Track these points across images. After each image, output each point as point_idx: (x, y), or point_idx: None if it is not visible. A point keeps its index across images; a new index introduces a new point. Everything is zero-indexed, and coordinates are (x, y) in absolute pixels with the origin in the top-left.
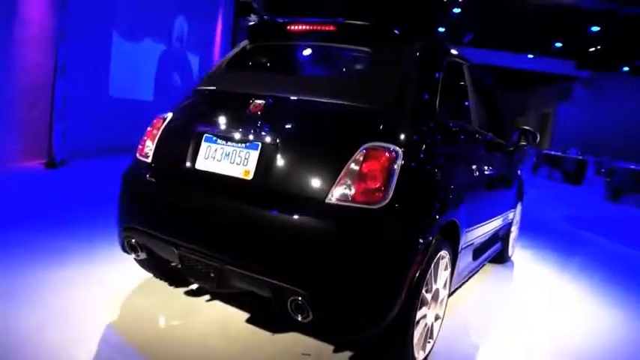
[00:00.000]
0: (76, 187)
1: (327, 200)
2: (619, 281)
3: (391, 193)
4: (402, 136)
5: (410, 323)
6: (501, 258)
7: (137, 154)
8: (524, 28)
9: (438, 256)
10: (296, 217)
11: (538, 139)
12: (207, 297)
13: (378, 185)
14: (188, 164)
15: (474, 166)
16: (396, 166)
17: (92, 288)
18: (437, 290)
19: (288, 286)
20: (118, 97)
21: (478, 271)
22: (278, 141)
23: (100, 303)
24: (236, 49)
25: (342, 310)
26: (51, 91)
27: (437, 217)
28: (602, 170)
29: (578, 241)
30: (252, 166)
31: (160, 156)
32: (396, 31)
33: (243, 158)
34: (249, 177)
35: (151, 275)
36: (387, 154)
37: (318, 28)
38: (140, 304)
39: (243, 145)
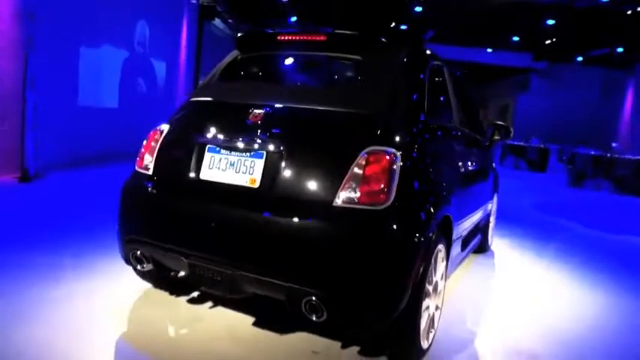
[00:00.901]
0: (53, 201)
1: (334, 203)
2: (594, 263)
3: (394, 194)
4: (398, 139)
5: (417, 315)
6: (482, 248)
7: (136, 167)
8: (482, 23)
9: (437, 249)
10: (306, 220)
11: (512, 133)
12: (210, 304)
13: (381, 187)
14: (192, 175)
15: (459, 163)
16: (395, 168)
17: (94, 302)
18: (436, 282)
19: (302, 287)
20: (87, 106)
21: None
22: (282, 149)
23: (105, 316)
24: (227, 60)
25: (355, 307)
26: (21, 103)
27: (435, 213)
28: (564, 157)
29: (550, 227)
30: (258, 174)
31: (161, 168)
32: (383, 39)
33: (248, 167)
34: (256, 185)
35: (150, 286)
36: (387, 156)
37: (309, 38)
38: (146, 315)
39: (248, 154)
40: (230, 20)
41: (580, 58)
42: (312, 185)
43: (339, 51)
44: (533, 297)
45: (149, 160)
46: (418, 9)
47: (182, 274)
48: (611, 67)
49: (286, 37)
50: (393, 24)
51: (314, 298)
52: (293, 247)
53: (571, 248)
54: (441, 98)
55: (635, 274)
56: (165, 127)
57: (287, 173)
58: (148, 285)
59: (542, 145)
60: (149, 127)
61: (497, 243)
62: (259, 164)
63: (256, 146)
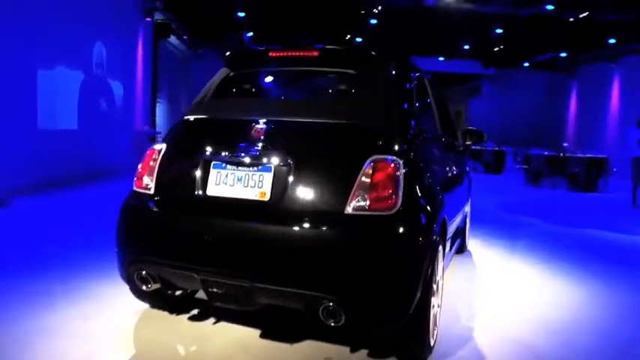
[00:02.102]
0: (25, 228)
1: (345, 212)
2: (563, 256)
3: (400, 199)
4: (397, 147)
5: (427, 313)
6: (461, 249)
7: (134, 187)
8: (435, 33)
9: (439, 249)
10: (320, 229)
11: (485, 137)
12: (213, 319)
13: (389, 193)
14: (199, 192)
15: (446, 167)
16: (399, 174)
17: (93, 327)
18: (437, 281)
19: (320, 294)
20: (47, 129)
21: None
22: (289, 162)
23: (109, 341)
24: (219, 78)
25: (372, 308)
26: None
27: (436, 215)
28: (519, 159)
29: (516, 225)
30: (267, 187)
31: (163, 187)
32: (373, 53)
33: (257, 181)
34: (266, 198)
35: (147, 306)
36: (391, 164)
37: (301, 54)
38: (151, 336)
39: (256, 168)
40: (185, 37)
41: (526, 64)
42: (322, 195)
43: (332, 66)
44: (516, 290)
45: (149, 180)
46: (373, 21)
47: (178, 293)
48: (555, 71)
49: (278, 54)
50: (348, 37)
51: (331, 303)
52: (309, 255)
53: (539, 243)
54: (425, 106)
55: (600, 263)
56: (162, 146)
57: (296, 185)
58: (144, 305)
59: (497, 148)
60: (109, 148)
61: (471, 243)
62: (268, 178)
63: (264, 160)
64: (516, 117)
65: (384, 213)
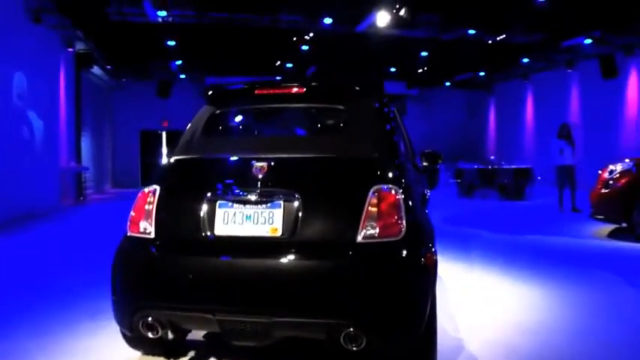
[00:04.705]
0: None
1: (357, 241)
2: (517, 262)
3: (405, 225)
4: (391, 175)
5: (435, 325)
6: None
7: (129, 232)
8: (364, 58)
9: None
10: (335, 259)
11: (442, 158)
12: (214, 359)
13: (395, 220)
14: (207, 232)
15: (423, 190)
16: (401, 201)
17: None
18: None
19: (342, 321)
20: None
21: None
22: (297, 196)
23: None
24: (204, 116)
25: (391, 328)
26: None
27: (432, 234)
28: (449, 173)
29: (463, 237)
30: (278, 223)
31: (165, 230)
32: (357, 88)
33: (267, 218)
34: (278, 234)
35: (139, 354)
36: (392, 192)
37: (287, 91)
38: None
39: (264, 205)
40: (109, 67)
41: (448, 83)
42: (333, 227)
43: (320, 102)
44: (486, 299)
45: (147, 224)
46: (305, 47)
47: (171, 336)
48: (473, 89)
49: (264, 91)
50: (278, 63)
51: (352, 329)
52: (328, 285)
53: (491, 252)
54: (400, 131)
55: (552, 265)
56: (154, 188)
57: (306, 219)
58: (137, 354)
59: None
60: (33, 188)
61: None
62: (278, 214)
63: (272, 197)
64: (440, 133)
65: (393, 239)
